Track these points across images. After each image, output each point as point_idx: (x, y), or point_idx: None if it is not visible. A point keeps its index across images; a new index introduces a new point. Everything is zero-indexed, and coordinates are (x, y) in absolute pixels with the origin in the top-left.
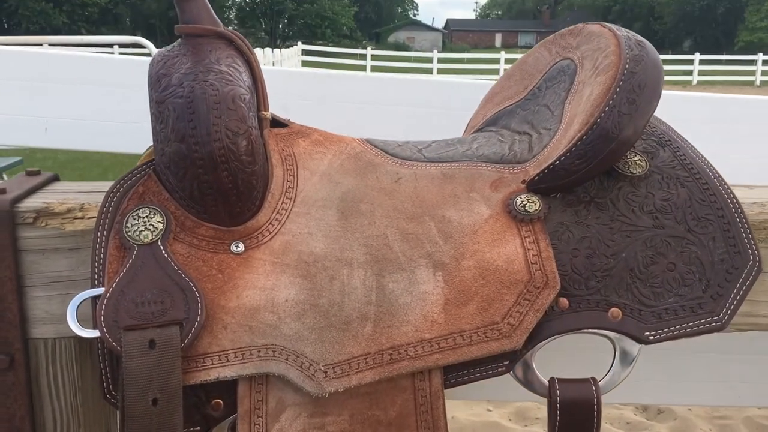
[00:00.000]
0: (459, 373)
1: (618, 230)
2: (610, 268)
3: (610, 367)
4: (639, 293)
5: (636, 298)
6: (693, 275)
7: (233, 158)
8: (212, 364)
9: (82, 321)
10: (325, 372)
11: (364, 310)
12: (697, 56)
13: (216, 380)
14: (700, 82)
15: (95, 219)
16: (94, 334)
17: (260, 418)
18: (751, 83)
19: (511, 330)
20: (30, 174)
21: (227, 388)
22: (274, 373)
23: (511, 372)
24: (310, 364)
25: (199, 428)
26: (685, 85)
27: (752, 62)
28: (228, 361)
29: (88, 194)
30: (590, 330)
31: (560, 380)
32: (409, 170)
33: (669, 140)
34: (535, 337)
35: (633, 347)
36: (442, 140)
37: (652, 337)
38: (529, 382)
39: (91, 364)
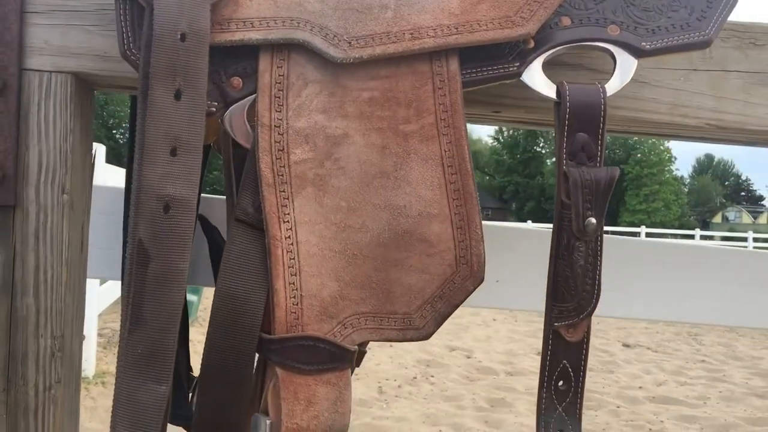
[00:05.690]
0: (474, 70)
1: None
2: None
3: (611, 77)
4: (634, 15)
5: (631, 18)
6: (678, 3)
7: None
8: (237, 27)
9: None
10: (349, 42)
11: (384, 1)
12: None
13: (241, 43)
14: None
15: None
16: None
17: (281, 92)
18: None
19: (524, 21)
20: None
21: (246, 70)
22: (299, 40)
23: (521, 76)
24: (334, 35)
25: (216, 104)
26: None
27: (637, 234)
28: (253, 26)
29: None
30: (591, 42)
31: (569, 82)
32: None
33: None
34: (543, 44)
35: (630, 61)
36: None
37: (648, 47)
38: (538, 84)
39: (82, 106)
